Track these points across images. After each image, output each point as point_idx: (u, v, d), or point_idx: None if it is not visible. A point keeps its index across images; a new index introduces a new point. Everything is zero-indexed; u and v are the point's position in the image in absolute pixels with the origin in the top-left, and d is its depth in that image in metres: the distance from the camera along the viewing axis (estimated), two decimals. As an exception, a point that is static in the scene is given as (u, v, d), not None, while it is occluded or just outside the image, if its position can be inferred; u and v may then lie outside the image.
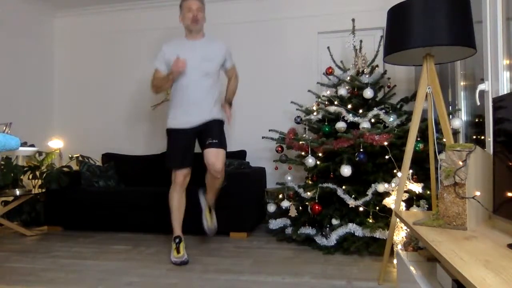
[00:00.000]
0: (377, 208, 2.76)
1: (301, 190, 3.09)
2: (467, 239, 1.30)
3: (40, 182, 3.86)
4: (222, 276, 2.36)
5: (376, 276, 2.27)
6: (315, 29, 4.09)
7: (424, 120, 2.66)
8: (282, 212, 3.27)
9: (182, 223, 2.84)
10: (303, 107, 3.39)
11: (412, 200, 2.64)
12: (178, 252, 2.65)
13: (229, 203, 3.26)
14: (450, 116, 2.75)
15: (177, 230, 2.79)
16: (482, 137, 2.37)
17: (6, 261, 2.76)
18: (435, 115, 2.12)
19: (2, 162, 3.58)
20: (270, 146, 3.98)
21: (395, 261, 2.33)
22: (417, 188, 2.57)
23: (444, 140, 2.08)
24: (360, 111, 3.08)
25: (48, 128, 4.65)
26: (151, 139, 4.47)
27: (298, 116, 3.38)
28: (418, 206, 2.63)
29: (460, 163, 1.45)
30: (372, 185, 2.79)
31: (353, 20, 3.50)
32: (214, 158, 2.65)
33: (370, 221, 2.73)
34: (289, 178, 3.31)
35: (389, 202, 2.55)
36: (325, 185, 2.95)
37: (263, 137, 3.51)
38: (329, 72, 3.41)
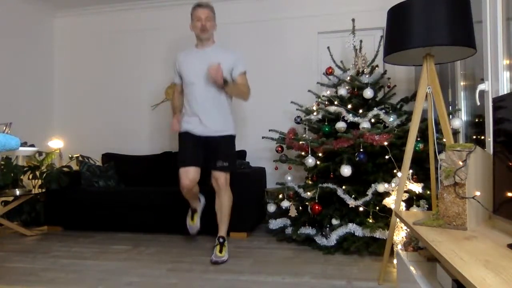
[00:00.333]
0: (377, 208, 2.76)
1: (301, 190, 3.09)
2: (467, 239, 1.30)
3: (40, 182, 3.86)
4: (222, 276, 2.36)
5: (376, 276, 2.27)
6: (315, 29, 4.09)
7: (424, 120, 2.66)
8: (282, 212, 3.27)
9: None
10: (303, 107, 3.39)
11: (412, 200, 2.64)
12: (192, 219, 2.91)
13: (229, 203, 3.25)
14: (450, 116, 2.75)
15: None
16: (482, 137, 2.37)
17: (6, 261, 2.76)
18: (435, 115, 2.12)
19: (2, 162, 3.58)
20: (270, 146, 3.98)
21: (395, 261, 2.33)
22: (417, 188, 2.57)
23: (444, 140, 2.08)
24: (360, 111, 3.08)
25: (48, 128, 4.65)
26: (151, 139, 4.47)
27: (298, 116, 3.38)
28: (418, 206, 2.63)
29: (460, 163, 1.45)
30: (372, 185, 2.79)
31: (353, 20, 3.50)
32: (223, 179, 2.76)
33: (370, 221, 2.73)
34: (289, 178, 3.31)
35: (389, 202, 2.55)
36: (325, 185, 2.95)
37: (263, 137, 3.51)
38: (329, 72, 3.41)
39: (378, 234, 2.65)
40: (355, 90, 3.18)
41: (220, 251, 2.66)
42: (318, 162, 3.06)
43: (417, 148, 2.63)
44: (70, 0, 4.44)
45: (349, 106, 3.10)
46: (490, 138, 1.95)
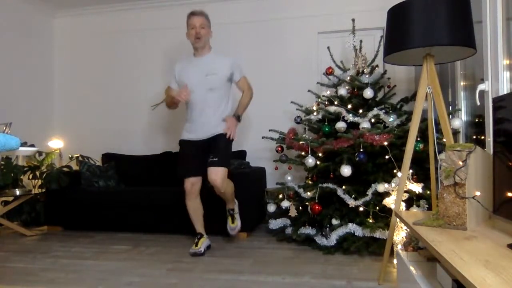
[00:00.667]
0: (377, 208, 2.76)
1: (301, 190, 3.09)
2: (467, 239, 1.30)
3: (40, 182, 3.86)
4: (222, 276, 2.36)
5: (376, 276, 2.27)
6: (315, 29, 4.09)
7: (424, 120, 2.66)
8: (282, 212, 3.27)
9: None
10: (303, 107, 3.39)
11: (412, 200, 2.64)
12: (196, 245, 2.82)
13: (229, 203, 3.25)
14: (450, 116, 2.75)
15: (198, 228, 2.92)
16: (482, 137, 2.37)
17: (6, 261, 2.76)
18: (435, 115, 2.12)
19: (2, 162, 3.58)
20: (270, 146, 3.98)
21: (395, 261, 2.33)
22: (417, 188, 2.57)
23: (444, 140, 2.08)
24: (360, 111, 3.08)
25: (48, 128, 4.65)
26: (151, 139, 4.47)
27: (298, 116, 3.38)
28: (418, 206, 2.63)
29: (460, 163, 1.45)
30: (372, 185, 2.79)
31: (353, 20, 3.50)
32: (214, 175, 2.73)
33: (370, 221, 2.73)
34: (289, 178, 3.31)
35: (389, 202, 2.55)
36: (325, 185, 2.95)
37: (263, 137, 3.51)
38: (329, 72, 3.41)
39: (378, 234, 2.65)
40: (355, 90, 3.18)
41: (233, 222, 2.87)
42: (318, 162, 3.06)
43: (417, 148, 2.63)
44: (70, 0, 4.44)
45: (349, 106, 3.10)
46: (490, 138, 1.95)
